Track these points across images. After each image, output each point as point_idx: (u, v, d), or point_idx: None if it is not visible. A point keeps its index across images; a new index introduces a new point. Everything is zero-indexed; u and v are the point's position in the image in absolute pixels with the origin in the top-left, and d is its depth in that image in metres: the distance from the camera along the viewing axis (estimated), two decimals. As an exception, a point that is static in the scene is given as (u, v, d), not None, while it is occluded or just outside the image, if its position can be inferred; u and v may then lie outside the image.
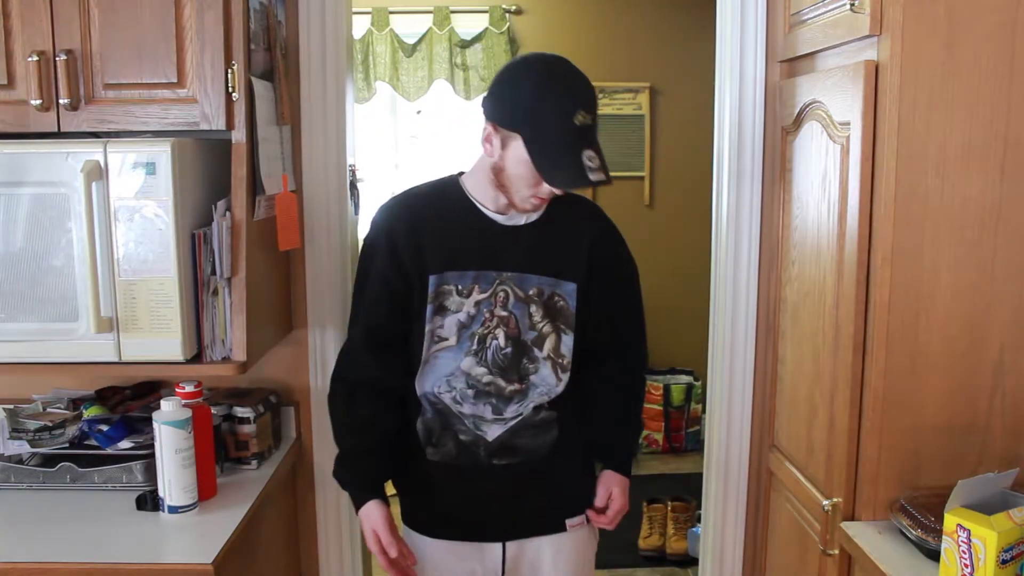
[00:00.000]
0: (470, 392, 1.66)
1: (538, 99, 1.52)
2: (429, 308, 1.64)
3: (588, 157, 1.50)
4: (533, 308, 1.66)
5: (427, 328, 1.64)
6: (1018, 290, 1.55)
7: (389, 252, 1.64)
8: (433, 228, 1.65)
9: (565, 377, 1.70)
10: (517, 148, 1.53)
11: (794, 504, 1.97)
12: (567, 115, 1.50)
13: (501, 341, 1.65)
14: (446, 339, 1.65)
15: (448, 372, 1.66)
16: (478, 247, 1.64)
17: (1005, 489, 1.44)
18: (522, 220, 1.66)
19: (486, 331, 1.65)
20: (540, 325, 1.67)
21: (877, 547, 1.53)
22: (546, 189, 1.55)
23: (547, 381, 1.69)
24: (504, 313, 1.65)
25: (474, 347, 1.65)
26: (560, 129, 1.50)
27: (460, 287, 1.64)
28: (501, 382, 1.66)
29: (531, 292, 1.66)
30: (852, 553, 1.59)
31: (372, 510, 1.63)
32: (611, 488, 1.76)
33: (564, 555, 1.77)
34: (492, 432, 1.68)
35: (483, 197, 1.65)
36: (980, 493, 1.39)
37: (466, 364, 1.65)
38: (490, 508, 1.72)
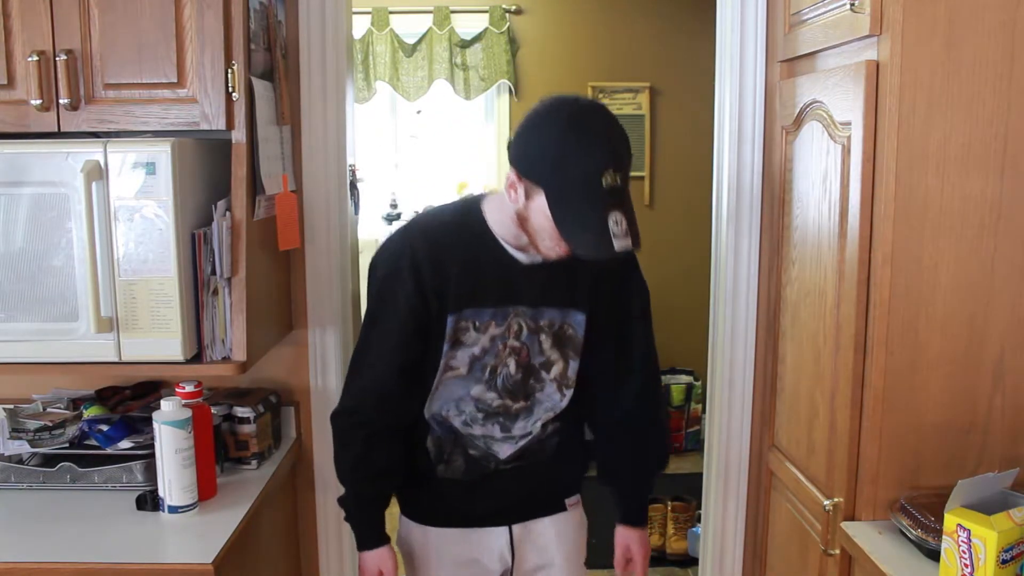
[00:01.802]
0: (480, 415, 1.66)
1: (563, 153, 1.41)
2: (446, 346, 1.60)
3: (615, 220, 1.39)
4: (543, 337, 1.65)
5: (441, 361, 1.62)
6: (1018, 290, 1.55)
7: (414, 283, 1.56)
8: (455, 264, 1.57)
9: (569, 393, 1.71)
10: (540, 202, 1.44)
11: (794, 504, 1.97)
12: (594, 173, 1.39)
13: (511, 369, 1.64)
14: (457, 368, 1.63)
15: (457, 397, 1.65)
16: (497, 284, 1.59)
17: (1005, 489, 1.44)
18: (540, 258, 1.58)
19: (498, 362, 1.63)
20: (549, 352, 1.66)
21: (877, 547, 1.52)
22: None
23: (552, 398, 1.70)
24: (516, 343, 1.63)
25: (485, 377, 1.64)
26: (585, 188, 1.40)
27: (477, 323, 1.60)
28: (508, 402, 1.66)
29: (543, 323, 1.64)
30: (852, 553, 1.59)
31: (384, 555, 1.70)
32: (628, 544, 1.82)
33: (566, 531, 1.81)
34: (504, 451, 1.69)
35: (505, 233, 1.58)
36: (980, 493, 1.39)
37: (476, 391, 1.65)
38: (496, 504, 1.74)
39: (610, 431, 1.78)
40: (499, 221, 1.58)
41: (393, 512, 1.77)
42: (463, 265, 1.58)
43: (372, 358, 1.64)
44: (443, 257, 1.57)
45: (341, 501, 1.73)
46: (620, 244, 1.40)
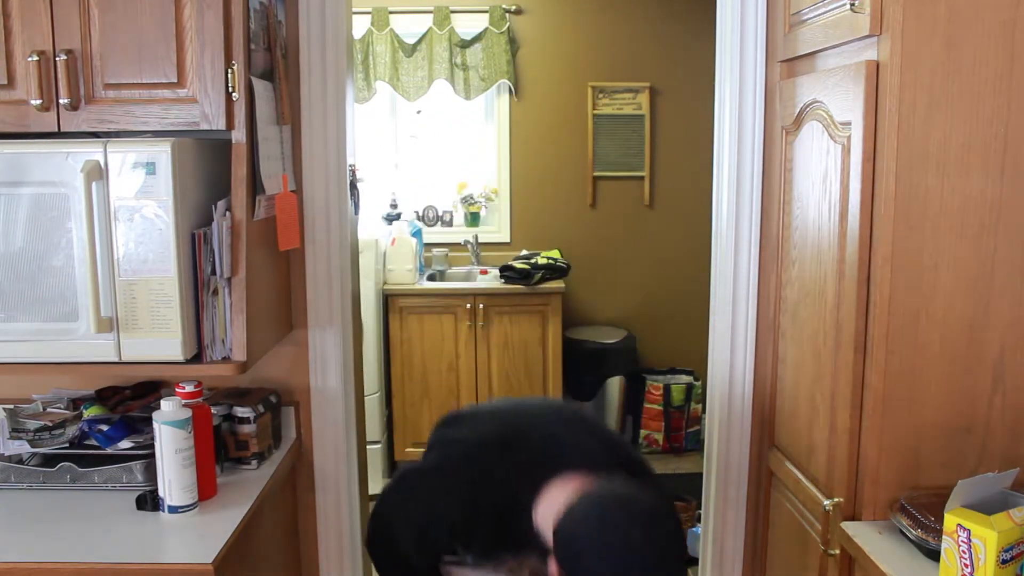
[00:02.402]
0: None
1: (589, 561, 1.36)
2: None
3: None
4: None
5: None
6: (1018, 290, 1.55)
7: (448, 535, 1.60)
8: (485, 533, 1.59)
9: None
10: None
11: (794, 504, 1.97)
12: None
13: None
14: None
15: None
16: (515, 537, 1.57)
17: (1005, 489, 1.44)
18: None
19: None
20: None
21: (877, 547, 1.52)
22: None
23: None
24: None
25: None
26: None
27: (494, 567, 1.62)
28: None
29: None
30: (853, 553, 1.59)
31: None
32: None
33: None
34: None
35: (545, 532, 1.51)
36: (980, 493, 1.39)
37: None
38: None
39: None
40: (547, 527, 1.48)
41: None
42: (493, 540, 1.59)
43: (406, 543, 1.66)
44: (475, 528, 1.58)
45: None
46: None
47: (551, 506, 1.47)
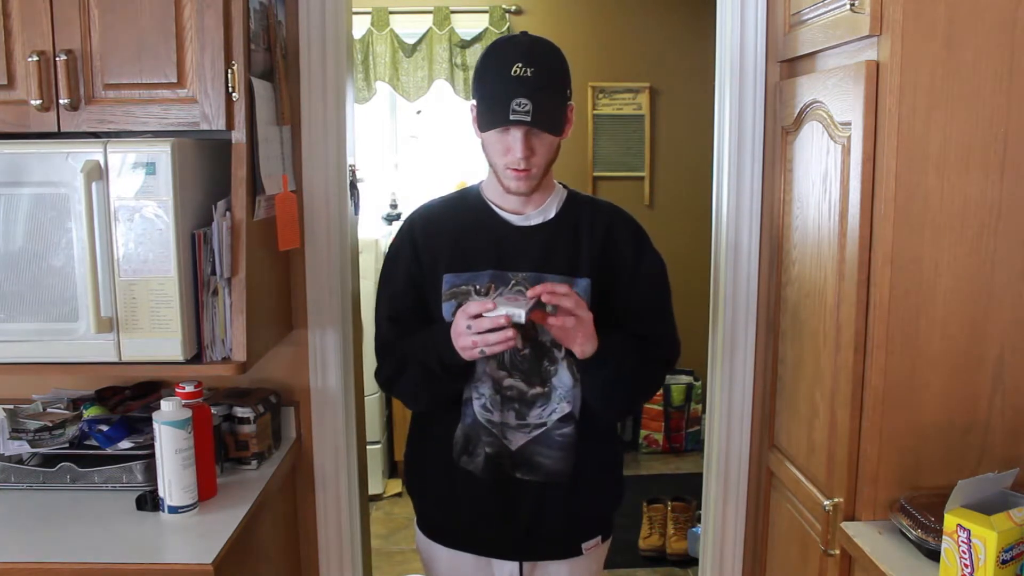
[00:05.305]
0: (497, 398, 1.67)
1: (483, 62, 1.63)
2: (448, 306, 1.65)
3: (518, 104, 1.53)
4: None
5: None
6: (1018, 290, 1.55)
7: (411, 250, 1.72)
8: (449, 229, 1.71)
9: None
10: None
11: (794, 504, 1.97)
12: (504, 68, 1.56)
13: (519, 343, 1.60)
14: None
15: (479, 372, 1.67)
16: (494, 248, 1.68)
17: (1005, 489, 1.44)
18: (536, 220, 1.69)
19: None
20: None
21: (877, 547, 1.53)
22: (513, 157, 1.58)
23: (565, 383, 1.68)
24: None
25: None
26: (497, 81, 1.57)
27: (478, 286, 1.66)
28: (523, 386, 1.67)
29: None
30: (852, 553, 1.59)
31: (448, 326, 1.58)
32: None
33: (579, 574, 1.80)
34: (516, 441, 1.68)
35: (494, 195, 1.71)
36: (980, 493, 1.39)
37: (489, 367, 1.67)
38: (509, 528, 1.72)
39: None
40: (488, 186, 1.74)
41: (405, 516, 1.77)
42: (456, 229, 1.71)
43: (380, 320, 1.79)
44: (437, 224, 1.74)
45: (437, 365, 1.62)
46: (516, 116, 1.53)
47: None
